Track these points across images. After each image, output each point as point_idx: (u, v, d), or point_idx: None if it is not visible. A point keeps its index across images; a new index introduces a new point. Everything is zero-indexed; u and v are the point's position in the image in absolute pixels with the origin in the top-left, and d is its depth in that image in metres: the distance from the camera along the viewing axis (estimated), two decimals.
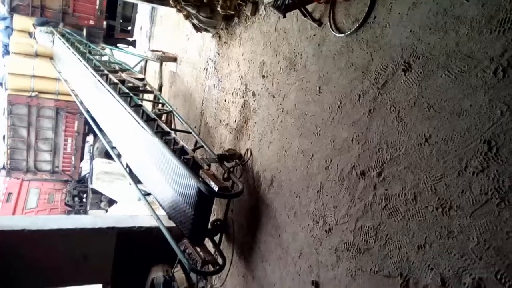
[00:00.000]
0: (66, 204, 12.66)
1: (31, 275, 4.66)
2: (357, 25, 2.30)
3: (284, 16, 2.68)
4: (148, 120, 4.59)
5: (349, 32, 2.37)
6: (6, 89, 10.58)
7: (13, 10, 9.68)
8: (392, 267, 1.98)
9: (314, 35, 2.77)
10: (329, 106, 2.54)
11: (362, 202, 2.21)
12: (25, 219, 4.79)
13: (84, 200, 12.78)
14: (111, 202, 11.41)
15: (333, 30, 2.54)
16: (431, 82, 1.84)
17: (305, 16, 2.78)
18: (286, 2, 2.62)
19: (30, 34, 10.09)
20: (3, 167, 11.10)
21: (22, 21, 10.03)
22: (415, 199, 1.89)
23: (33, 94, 10.52)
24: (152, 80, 8.99)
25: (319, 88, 2.66)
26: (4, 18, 10.40)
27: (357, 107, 2.30)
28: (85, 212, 12.08)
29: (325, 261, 2.50)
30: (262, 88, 3.52)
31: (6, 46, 10.77)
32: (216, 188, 3.18)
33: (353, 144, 2.30)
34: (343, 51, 2.45)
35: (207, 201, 3.45)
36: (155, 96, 5.81)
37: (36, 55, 10.42)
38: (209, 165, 3.67)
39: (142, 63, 10.10)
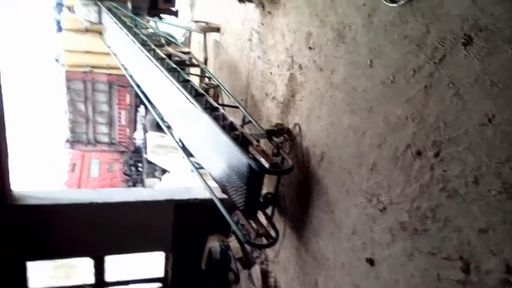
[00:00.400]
0: (124, 173, 13.50)
1: (99, 243, 5.13)
2: None
3: None
4: (196, 95, 4.67)
5: (403, 2, 2.21)
6: (62, 65, 11.17)
7: None
8: (452, 250, 1.94)
9: (364, 5, 2.61)
10: (381, 81, 2.43)
11: (418, 182, 2.14)
12: (91, 193, 5.20)
13: (140, 169, 13.54)
14: (164, 170, 12.00)
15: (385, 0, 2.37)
16: (495, 57, 1.69)
17: None
18: None
19: (69, 8, 10.37)
20: (67, 140, 11.95)
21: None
22: (477, 182, 1.80)
23: (87, 69, 11.02)
24: (196, 50, 9.03)
25: (370, 61, 2.54)
26: None
27: (411, 83, 2.18)
28: (142, 181, 12.83)
29: (380, 240, 2.49)
30: (309, 61, 3.42)
31: (58, 22, 11.23)
32: (267, 165, 3.23)
33: (408, 122, 2.21)
34: (396, 22, 2.30)
35: (258, 176, 3.52)
36: (201, 70, 5.87)
37: (86, 30, 10.78)
38: (258, 141, 3.71)
39: (186, 34, 10.15)
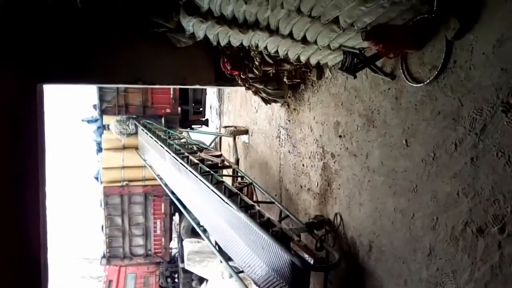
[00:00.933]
0: (160, 286, 13.00)
1: None
2: (436, 72, 2.19)
3: (355, 77, 2.66)
4: (231, 195, 4.67)
5: (428, 81, 2.26)
6: (101, 183, 11.71)
7: (103, 112, 11.04)
8: None
9: (389, 89, 2.68)
10: (421, 159, 2.36)
11: (487, 264, 1.91)
12: None
13: (176, 280, 13.03)
14: (201, 279, 11.48)
15: (409, 81, 2.44)
16: None
17: (375, 72, 2.73)
18: (355, 62, 2.61)
19: (104, 126, 11.37)
20: (104, 256, 11.89)
21: (110, 120, 11.39)
22: None
23: (124, 183, 11.47)
24: (226, 153, 9.38)
25: (406, 141, 2.51)
26: (96, 120, 11.87)
27: (455, 157, 2.10)
28: None
29: None
30: (341, 149, 3.43)
31: (99, 144, 12.14)
32: (311, 261, 3.02)
33: (460, 198, 2.06)
34: (425, 101, 2.32)
35: (303, 275, 3.27)
36: (233, 170, 5.99)
37: (124, 148, 11.54)
38: (298, 236, 3.54)
39: (217, 139, 10.68)
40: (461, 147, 2.05)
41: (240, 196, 4.59)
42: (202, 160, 5.89)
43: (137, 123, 10.55)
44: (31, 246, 4.32)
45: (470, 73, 1.98)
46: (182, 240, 11.71)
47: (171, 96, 11.25)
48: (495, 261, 1.86)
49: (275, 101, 4.67)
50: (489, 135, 1.87)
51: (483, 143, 1.91)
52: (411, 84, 2.42)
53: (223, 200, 4.43)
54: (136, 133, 10.60)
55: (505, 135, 1.79)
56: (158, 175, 8.64)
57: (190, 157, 6.02)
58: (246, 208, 4.33)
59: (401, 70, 2.50)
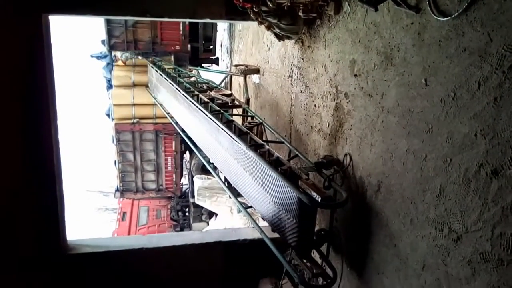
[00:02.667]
0: (171, 219, 13.62)
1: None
2: (467, 3, 2.01)
3: (376, 10, 2.48)
4: (240, 134, 4.67)
5: (456, 14, 2.09)
6: (113, 119, 11.81)
7: (111, 48, 10.81)
8: None
9: (412, 23, 2.51)
10: (440, 99, 2.26)
11: (498, 205, 1.90)
12: (142, 238, 5.22)
13: (187, 214, 13.62)
14: (211, 214, 11.96)
15: (435, 15, 2.27)
16: None
17: (398, 5, 2.55)
18: None
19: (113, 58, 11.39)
20: (117, 190, 12.35)
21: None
22: None
23: (135, 120, 11.56)
24: (237, 93, 9.26)
25: (425, 80, 2.39)
26: (105, 56, 11.66)
27: (477, 97, 2.00)
28: (189, 225, 12.84)
29: (457, 274, 2.21)
30: (355, 88, 3.32)
31: (109, 80, 12.04)
32: (319, 199, 3.06)
33: (478, 140, 2.00)
34: (451, 36, 2.16)
35: (310, 212, 3.35)
36: (243, 110, 5.94)
37: (134, 85, 11.45)
38: (307, 174, 3.57)
39: (227, 78, 10.49)
40: (485, 86, 1.94)
41: (250, 135, 4.59)
42: (212, 99, 5.83)
43: (147, 61, 10.39)
44: (46, 178, 4.46)
45: (504, 4, 1.81)
46: (192, 177, 12.03)
47: (181, 32, 10.89)
48: (507, 202, 1.84)
49: (289, 38, 4.46)
50: None
51: (510, 82, 1.80)
52: (437, 17, 2.25)
53: (233, 139, 4.43)
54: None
55: None
56: (168, 113, 8.64)
57: (200, 95, 5.95)
58: (255, 147, 4.34)
59: (427, 2, 2.31)
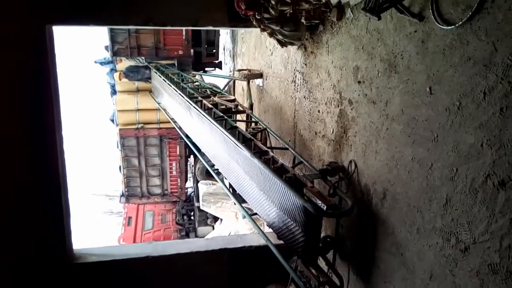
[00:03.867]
0: (177, 223, 13.62)
1: None
2: (471, 12, 2.00)
3: (379, 18, 2.47)
4: (244, 141, 4.66)
5: (461, 23, 2.07)
6: (117, 125, 11.86)
7: (115, 54, 10.84)
8: None
9: (415, 31, 2.49)
10: (445, 108, 2.24)
11: (506, 216, 1.88)
12: (147, 246, 5.22)
13: (192, 218, 13.62)
14: (216, 218, 11.95)
15: (438, 23, 2.25)
16: None
17: (401, 12, 2.53)
18: (380, 1, 2.41)
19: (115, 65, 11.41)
20: (122, 195, 12.38)
21: (123, 63, 11.22)
22: None
23: (139, 126, 11.59)
24: (240, 97, 9.25)
25: (430, 88, 2.37)
26: (109, 62, 11.71)
27: (483, 107, 1.98)
28: (195, 229, 12.84)
29: (465, 285, 2.18)
30: (359, 95, 3.30)
31: (113, 86, 12.10)
32: (324, 207, 3.05)
33: (484, 150, 1.98)
34: (455, 45, 2.15)
35: (316, 220, 3.34)
36: (247, 115, 5.93)
37: (138, 90, 11.50)
38: (312, 182, 3.56)
39: (230, 82, 10.50)
40: (490, 96, 1.93)
41: (254, 141, 4.57)
42: (215, 105, 5.83)
43: (149, 65, 10.42)
44: (51, 188, 4.48)
45: (509, 14, 1.80)
46: (197, 181, 12.03)
47: (184, 37, 10.90)
48: None
49: (292, 44, 4.45)
50: None
51: None
52: (440, 26, 2.23)
53: (237, 146, 4.43)
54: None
55: None
56: (172, 118, 8.66)
57: (204, 101, 5.95)
58: (260, 154, 4.33)
59: (430, 11, 2.30)
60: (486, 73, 1.94)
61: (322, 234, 3.90)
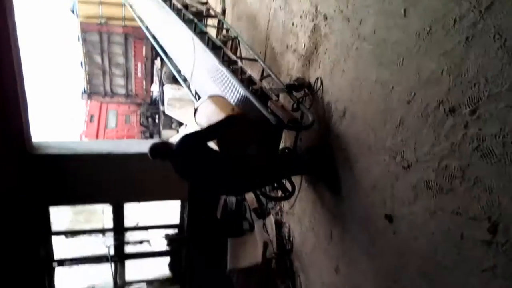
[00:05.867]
0: (141, 125, 13.63)
1: (118, 191, 5.25)
2: None
3: None
4: (214, 48, 4.52)
5: None
6: (77, 17, 10.96)
7: None
8: (479, 210, 1.88)
9: None
10: (415, 32, 2.26)
11: (448, 140, 2.04)
12: (110, 143, 5.25)
13: (156, 121, 13.62)
14: (181, 123, 12.03)
15: None
16: None
17: None
18: None
19: None
20: (84, 91, 11.99)
21: None
22: None
23: (103, 21, 10.80)
24: (213, 1, 8.68)
25: (405, 11, 2.35)
26: None
27: (451, 34, 2.01)
28: (159, 132, 12.94)
29: (401, 197, 2.44)
30: (335, 11, 3.22)
31: None
32: (285, 121, 3.15)
33: (443, 77, 2.07)
34: None
35: (277, 132, 3.46)
36: (219, 21, 5.66)
37: None
38: (277, 95, 3.60)
39: None
40: (460, 24, 1.95)
41: (224, 50, 4.46)
42: (186, 6, 5.47)
43: None
44: (5, 74, 4.23)
45: None
46: (163, 85, 11.80)
47: None
48: (457, 139, 1.98)
49: None
50: (492, 14, 1.77)
51: (484, 22, 1.81)
52: None
53: (206, 52, 4.30)
54: None
55: (509, 16, 1.69)
56: (138, 17, 8.08)
57: (173, 0, 5.56)
58: (228, 63, 4.26)
59: None
60: (461, 0, 1.93)
61: (282, 146, 4.09)
